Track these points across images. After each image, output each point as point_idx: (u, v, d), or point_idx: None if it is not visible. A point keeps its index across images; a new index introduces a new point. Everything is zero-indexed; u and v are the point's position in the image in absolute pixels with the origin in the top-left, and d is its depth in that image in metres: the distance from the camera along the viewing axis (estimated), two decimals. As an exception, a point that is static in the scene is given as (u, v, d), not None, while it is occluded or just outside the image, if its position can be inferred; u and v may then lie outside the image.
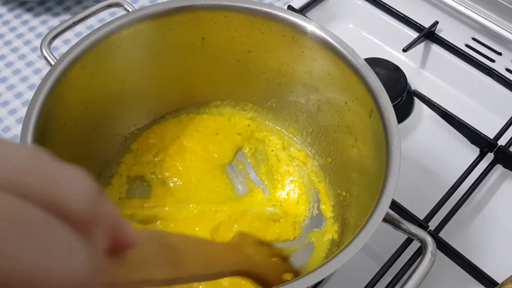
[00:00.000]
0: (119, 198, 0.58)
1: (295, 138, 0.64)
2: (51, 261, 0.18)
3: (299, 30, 0.53)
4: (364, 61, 0.50)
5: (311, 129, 0.62)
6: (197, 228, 0.56)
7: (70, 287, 0.19)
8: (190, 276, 0.32)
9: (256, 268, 0.42)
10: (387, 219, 0.44)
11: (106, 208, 0.22)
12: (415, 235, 0.45)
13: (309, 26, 0.53)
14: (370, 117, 0.49)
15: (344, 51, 0.51)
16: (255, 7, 0.54)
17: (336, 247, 0.55)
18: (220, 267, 0.37)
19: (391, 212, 0.46)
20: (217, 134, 0.63)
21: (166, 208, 0.57)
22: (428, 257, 0.43)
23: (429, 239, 0.44)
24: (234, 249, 0.42)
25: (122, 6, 0.59)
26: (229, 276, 0.40)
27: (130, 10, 0.57)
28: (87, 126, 0.55)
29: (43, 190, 0.20)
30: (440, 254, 0.55)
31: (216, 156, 0.62)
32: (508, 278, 0.50)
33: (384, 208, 0.42)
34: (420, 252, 0.52)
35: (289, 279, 0.45)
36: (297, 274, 0.47)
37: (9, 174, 0.19)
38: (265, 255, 0.46)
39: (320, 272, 0.38)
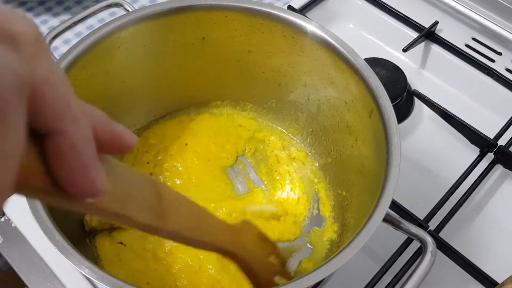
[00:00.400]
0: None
1: (295, 138, 0.64)
2: None
3: (299, 30, 0.53)
4: (364, 61, 0.50)
5: (311, 129, 0.62)
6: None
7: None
8: (173, 231, 0.31)
9: (247, 257, 0.40)
10: (387, 219, 0.44)
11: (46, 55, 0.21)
12: (415, 235, 0.45)
13: (309, 26, 0.53)
14: (370, 117, 0.49)
15: (344, 51, 0.51)
16: (255, 7, 0.54)
17: (336, 247, 0.55)
18: (208, 238, 0.36)
19: (391, 212, 0.46)
20: (219, 134, 0.63)
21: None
22: (428, 257, 0.43)
23: (429, 239, 0.44)
24: (232, 230, 0.41)
25: (122, 6, 0.59)
26: (216, 252, 0.38)
27: (130, 10, 0.57)
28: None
29: None
30: (440, 254, 0.55)
31: (217, 156, 0.62)
32: (508, 278, 0.51)
33: (384, 208, 0.42)
34: (420, 252, 0.52)
35: (280, 283, 0.44)
36: (289, 279, 0.45)
37: None
38: (263, 251, 0.45)
39: (320, 272, 0.38)
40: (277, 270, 0.45)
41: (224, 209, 0.57)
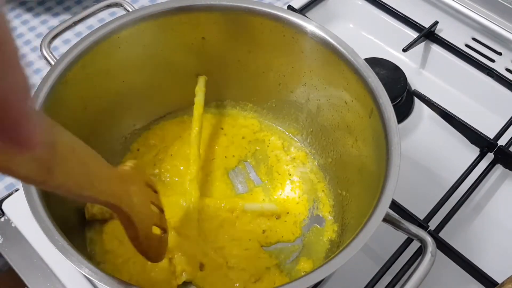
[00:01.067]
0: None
1: (295, 138, 0.64)
2: None
3: (299, 30, 0.53)
4: (364, 61, 0.50)
5: (311, 129, 0.62)
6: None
7: None
8: (59, 185, 0.30)
9: (131, 209, 0.39)
10: (387, 219, 0.44)
11: None
12: (415, 235, 0.45)
13: (309, 26, 0.53)
14: (370, 117, 0.49)
15: (344, 51, 0.51)
16: (255, 7, 0.54)
17: (336, 247, 0.55)
18: (96, 194, 0.35)
19: (391, 212, 0.46)
20: (221, 135, 0.64)
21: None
22: (428, 257, 0.43)
23: (429, 239, 0.44)
24: (121, 178, 0.40)
25: (122, 6, 0.59)
26: (100, 204, 0.38)
27: (130, 10, 0.57)
28: (87, 126, 0.55)
29: None
30: (440, 254, 0.55)
31: (220, 157, 0.62)
32: (508, 278, 0.51)
33: (384, 208, 0.42)
34: (420, 252, 0.52)
35: (157, 233, 0.44)
36: (165, 230, 0.46)
37: None
38: (147, 199, 0.43)
39: (320, 272, 0.39)
40: (155, 219, 0.44)
41: (223, 204, 0.57)
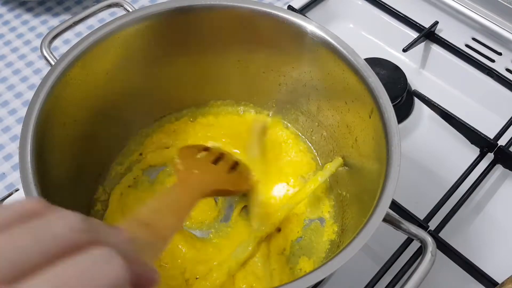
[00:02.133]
0: (121, 193, 0.58)
1: (295, 138, 0.64)
2: None
3: (299, 30, 0.53)
4: (364, 61, 0.50)
5: (311, 129, 0.62)
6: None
7: None
8: (170, 235, 0.35)
9: (210, 186, 0.47)
10: (387, 219, 0.44)
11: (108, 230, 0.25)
12: (415, 235, 0.45)
13: (309, 26, 0.53)
14: (370, 117, 0.49)
15: (344, 51, 0.51)
16: (255, 7, 0.54)
17: (336, 247, 0.55)
18: (186, 209, 0.41)
19: (391, 212, 0.46)
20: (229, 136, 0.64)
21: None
22: (428, 257, 0.43)
23: (429, 239, 0.44)
24: (186, 181, 0.46)
25: (122, 6, 0.59)
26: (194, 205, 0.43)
27: (130, 10, 0.57)
28: (87, 127, 0.55)
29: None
30: (440, 254, 0.55)
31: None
32: (508, 278, 0.51)
33: (384, 208, 0.42)
34: (420, 252, 0.52)
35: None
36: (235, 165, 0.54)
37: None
38: (210, 166, 0.51)
39: (320, 272, 0.38)
40: (243, 177, 0.54)
41: None
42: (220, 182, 0.50)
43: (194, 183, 0.46)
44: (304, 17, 0.54)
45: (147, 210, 0.36)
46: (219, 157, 0.53)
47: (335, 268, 0.39)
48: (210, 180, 0.49)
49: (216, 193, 0.50)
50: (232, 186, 0.52)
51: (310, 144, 0.63)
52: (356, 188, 0.54)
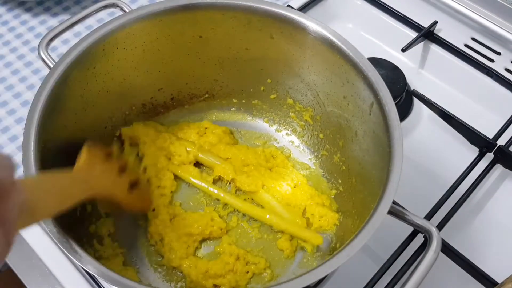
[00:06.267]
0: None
1: (294, 134, 0.64)
2: None
3: (297, 26, 0.53)
4: (362, 54, 0.50)
5: (311, 125, 0.62)
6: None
7: None
8: (46, 216, 0.37)
9: (104, 189, 0.48)
10: (391, 211, 0.44)
11: None
12: (420, 226, 0.45)
13: (307, 22, 0.53)
14: (370, 111, 0.49)
15: (342, 45, 0.51)
16: (253, 4, 0.54)
17: (339, 243, 0.55)
18: (72, 199, 0.42)
19: (394, 205, 0.45)
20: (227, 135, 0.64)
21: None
22: (433, 247, 0.43)
23: (434, 230, 0.44)
24: (83, 175, 0.47)
25: (118, 6, 0.58)
26: (81, 203, 0.44)
27: (127, 11, 0.57)
28: (86, 127, 0.55)
29: None
30: (440, 254, 0.55)
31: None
32: (508, 278, 0.50)
33: (389, 199, 0.42)
34: (419, 252, 0.52)
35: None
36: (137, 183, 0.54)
37: None
38: (112, 173, 0.51)
39: (323, 269, 0.39)
40: (126, 182, 0.53)
41: None
42: (115, 192, 0.50)
43: (90, 181, 0.47)
44: (301, 13, 0.54)
45: (37, 182, 0.37)
46: (124, 168, 0.53)
47: (337, 265, 0.39)
48: (106, 185, 0.49)
49: (107, 200, 0.50)
50: (126, 202, 0.52)
51: (307, 142, 0.63)
52: (358, 185, 0.54)
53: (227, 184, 0.60)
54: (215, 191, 0.59)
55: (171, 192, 0.59)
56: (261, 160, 0.61)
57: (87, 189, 0.45)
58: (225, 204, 0.59)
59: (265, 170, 0.60)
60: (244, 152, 0.61)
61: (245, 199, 0.59)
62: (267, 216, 0.57)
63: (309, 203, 0.58)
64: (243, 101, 0.65)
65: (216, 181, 0.61)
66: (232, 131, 0.65)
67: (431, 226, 0.44)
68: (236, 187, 0.60)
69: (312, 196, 0.58)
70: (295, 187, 0.59)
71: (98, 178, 0.48)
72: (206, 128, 0.64)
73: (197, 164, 0.61)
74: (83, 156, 0.48)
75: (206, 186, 0.59)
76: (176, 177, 0.60)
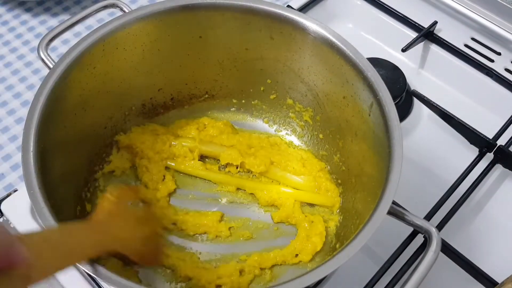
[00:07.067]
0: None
1: (294, 135, 0.64)
2: None
3: (297, 26, 0.53)
4: (361, 54, 0.50)
5: (311, 125, 0.62)
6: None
7: None
8: (44, 277, 0.33)
9: (120, 245, 0.42)
10: (391, 212, 0.44)
11: None
12: (420, 227, 0.45)
13: (307, 22, 0.53)
14: (370, 111, 0.49)
15: (342, 46, 0.51)
16: (253, 4, 0.54)
17: (339, 243, 0.55)
18: (83, 256, 0.37)
19: (394, 205, 0.46)
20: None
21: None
22: (433, 248, 0.43)
23: (433, 230, 0.44)
24: (100, 228, 0.42)
25: (118, 6, 0.58)
26: (94, 257, 0.39)
27: (126, 11, 0.57)
28: (86, 127, 0.55)
29: None
30: (440, 254, 0.55)
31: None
32: (508, 278, 0.50)
33: (388, 199, 0.42)
34: (419, 252, 0.52)
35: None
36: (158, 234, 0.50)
37: None
38: (130, 226, 0.46)
39: (322, 269, 0.39)
40: (143, 234, 0.47)
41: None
42: (130, 248, 0.45)
43: (107, 236, 0.42)
44: (301, 13, 0.54)
45: (33, 244, 0.32)
46: (147, 218, 0.50)
47: (338, 265, 0.39)
48: (123, 240, 0.44)
49: (120, 255, 0.45)
50: (139, 257, 0.47)
51: (307, 142, 0.63)
52: (358, 186, 0.54)
53: (237, 171, 0.61)
54: (228, 179, 0.60)
55: (168, 195, 0.59)
56: (265, 144, 0.62)
57: (102, 245, 0.41)
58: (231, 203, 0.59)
59: (272, 149, 0.62)
60: (247, 138, 0.62)
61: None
62: (282, 189, 0.59)
63: (318, 175, 0.59)
64: (243, 101, 0.65)
65: (224, 169, 0.62)
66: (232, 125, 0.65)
67: (431, 226, 0.44)
68: (246, 170, 0.61)
69: (322, 169, 0.60)
70: (305, 161, 0.61)
71: (116, 232, 0.44)
72: (205, 124, 0.64)
73: (201, 157, 0.62)
74: (103, 206, 0.45)
75: (220, 175, 0.60)
76: (184, 175, 0.61)
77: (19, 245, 0.27)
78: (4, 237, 0.26)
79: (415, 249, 0.53)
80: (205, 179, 0.61)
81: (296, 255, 0.55)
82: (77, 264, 0.38)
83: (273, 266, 0.55)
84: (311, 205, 0.59)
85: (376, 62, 0.71)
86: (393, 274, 0.52)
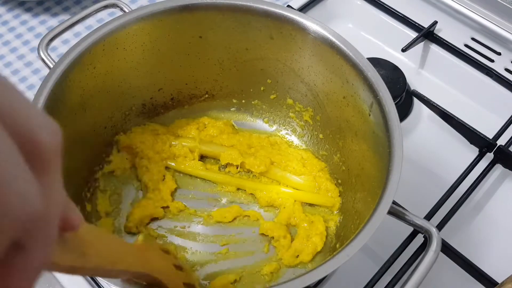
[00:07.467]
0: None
1: (294, 134, 0.64)
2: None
3: (297, 26, 0.53)
4: (362, 54, 0.50)
5: (311, 125, 0.62)
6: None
7: (14, 215, 0.19)
8: (94, 267, 0.32)
9: (157, 273, 0.41)
10: (391, 211, 0.44)
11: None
12: (420, 227, 0.45)
13: (307, 22, 0.53)
14: (370, 111, 0.49)
15: (342, 46, 0.51)
16: (253, 4, 0.54)
17: (338, 244, 0.55)
18: (124, 266, 0.37)
19: (394, 205, 0.46)
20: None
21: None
22: (433, 247, 0.43)
23: (433, 230, 0.44)
24: (139, 251, 0.42)
25: (118, 6, 0.58)
26: (130, 277, 0.39)
27: (126, 11, 0.57)
28: (86, 127, 0.55)
29: (15, 118, 0.20)
30: (440, 254, 0.55)
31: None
32: (508, 278, 0.50)
33: (389, 199, 0.42)
34: (419, 253, 0.52)
35: None
36: (194, 283, 0.48)
37: None
38: (168, 262, 0.46)
39: (322, 269, 0.39)
40: (182, 277, 0.46)
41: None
42: (169, 283, 0.43)
43: (149, 261, 0.42)
44: (301, 13, 0.54)
45: (89, 234, 0.32)
46: (180, 267, 0.48)
47: (337, 265, 0.39)
48: (163, 272, 0.43)
49: (149, 280, 0.42)
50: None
51: (307, 142, 0.63)
52: (358, 186, 0.54)
53: (237, 172, 0.61)
54: (227, 179, 0.60)
55: (170, 195, 0.59)
56: (265, 144, 0.62)
57: (142, 265, 0.40)
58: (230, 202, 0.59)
59: (272, 149, 0.62)
60: (247, 138, 0.62)
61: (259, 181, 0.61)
62: (282, 189, 0.59)
63: (318, 175, 0.59)
64: (243, 101, 0.65)
65: (224, 169, 0.62)
66: (233, 124, 0.65)
67: (431, 226, 0.44)
68: (246, 170, 0.61)
69: (322, 169, 0.60)
70: (305, 161, 0.60)
71: (158, 261, 0.44)
72: (206, 123, 0.64)
73: (201, 157, 0.62)
74: (141, 239, 0.44)
75: (220, 176, 0.60)
76: (184, 175, 0.61)
77: (78, 213, 0.27)
78: (67, 200, 0.25)
79: (415, 249, 0.53)
80: (205, 179, 0.61)
81: (297, 256, 0.54)
82: (117, 276, 0.38)
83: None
84: (311, 205, 0.59)
85: (376, 62, 0.71)
86: (393, 274, 0.52)
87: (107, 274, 0.36)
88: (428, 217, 0.57)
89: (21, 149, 0.20)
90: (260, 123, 0.66)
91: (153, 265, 0.42)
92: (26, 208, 0.19)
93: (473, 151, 0.66)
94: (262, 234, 0.56)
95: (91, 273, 0.33)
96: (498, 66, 0.74)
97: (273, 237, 0.56)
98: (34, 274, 0.22)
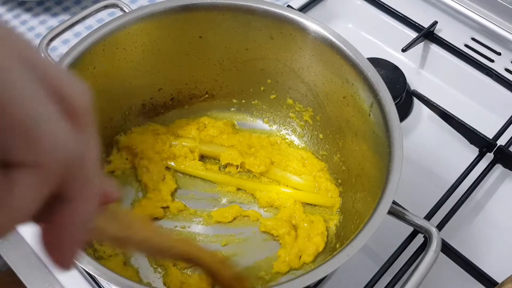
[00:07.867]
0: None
1: (294, 134, 0.64)
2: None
3: (297, 26, 0.53)
4: (362, 54, 0.50)
5: (311, 125, 0.62)
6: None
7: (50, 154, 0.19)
8: (142, 240, 0.32)
9: (206, 262, 0.40)
10: (391, 211, 0.44)
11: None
12: (420, 226, 0.45)
13: (307, 22, 0.53)
14: (370, 111, 0.49)
15: (342, 46, 0.51)
16: (253, 4, 0.54)
17: (338, 244, 0.55)
18: (168, 244, 0.36)
19: (394, 205, 0.46)
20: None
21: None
22: (433, 247, 0.43)
23: (433, 230, 0.44)
24: (182, 240, 0.40)
25: (118, 6, 0.58)
26: (179, 259, 0.39)
27: (127, 11, 0.57)
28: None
29: (55, 79, 0.21)
30: (440, 254, 0.55)
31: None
32: (508, 278, 0.50)
33: (389, 199, 0.42)
34: (419, 253, 0.52)
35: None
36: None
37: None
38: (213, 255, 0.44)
39: (322, 269, 0.39)
40: (232, 275, 0.44)
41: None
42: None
43: (194, 246, 0.40)
44: (301, 13, 0.54)
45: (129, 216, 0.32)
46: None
47: (338, 265, 0.39)
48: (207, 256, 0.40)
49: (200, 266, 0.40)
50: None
51: (307, 142, 0.63)
52: (358, 186, 0.55)
53: (237, 172, 0.61)
54: (228, 179, 0.60)
55: (170, 195, 0.59)
56: (265, 144, 0.62)
57: (189, 251, 0.37)
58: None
59: (272, 149, 0.62)
60: (247, 138, 0.62)
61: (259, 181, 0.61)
62: (282, 189, 0.59)
63: (318, 175, 0.59)
64: (243, 101, 0.65)
65: (224, 169, 0.62)
66: (233, 123, 0.65)
67: (431, 226, 0.44)
68: (246, 170, 0.61)
69: (322, 169, 0.60)
70: (305, 161, 0.61)
71: (201, 250, 0.41)
72: (206, 123, 0.64)
73: (201, 157, 0.62)
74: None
75: (220, 176, 0.60)
76: (184, 175, 0.61)
77: (117, 187, 0.27)
78: (103, 175, 0.26)
79: (415, 249, 0.53)
80: (205, 179, 0.61)
81: (300, 257, 0.54)
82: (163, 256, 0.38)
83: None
84: (311, 205, 0.59)
85: (376, 62, 0.71)
86: (393, 274, 0.52)
87: (154, 252, 0.35)
88: (428, 217, 0.57)
89: (52, 99, 0.20)
90: (260, 123, 0.66)
91: (200, 253, 0.40)
92: (60, 149, 0.19)
93: (473, 151, 0.66)
94: (264, 232, 0.56)
95: (138, 248, 0.33)
96: (498, 66, 0.74)
97: (277, 236, 0.56)
98: (82, 229, 0.22)
